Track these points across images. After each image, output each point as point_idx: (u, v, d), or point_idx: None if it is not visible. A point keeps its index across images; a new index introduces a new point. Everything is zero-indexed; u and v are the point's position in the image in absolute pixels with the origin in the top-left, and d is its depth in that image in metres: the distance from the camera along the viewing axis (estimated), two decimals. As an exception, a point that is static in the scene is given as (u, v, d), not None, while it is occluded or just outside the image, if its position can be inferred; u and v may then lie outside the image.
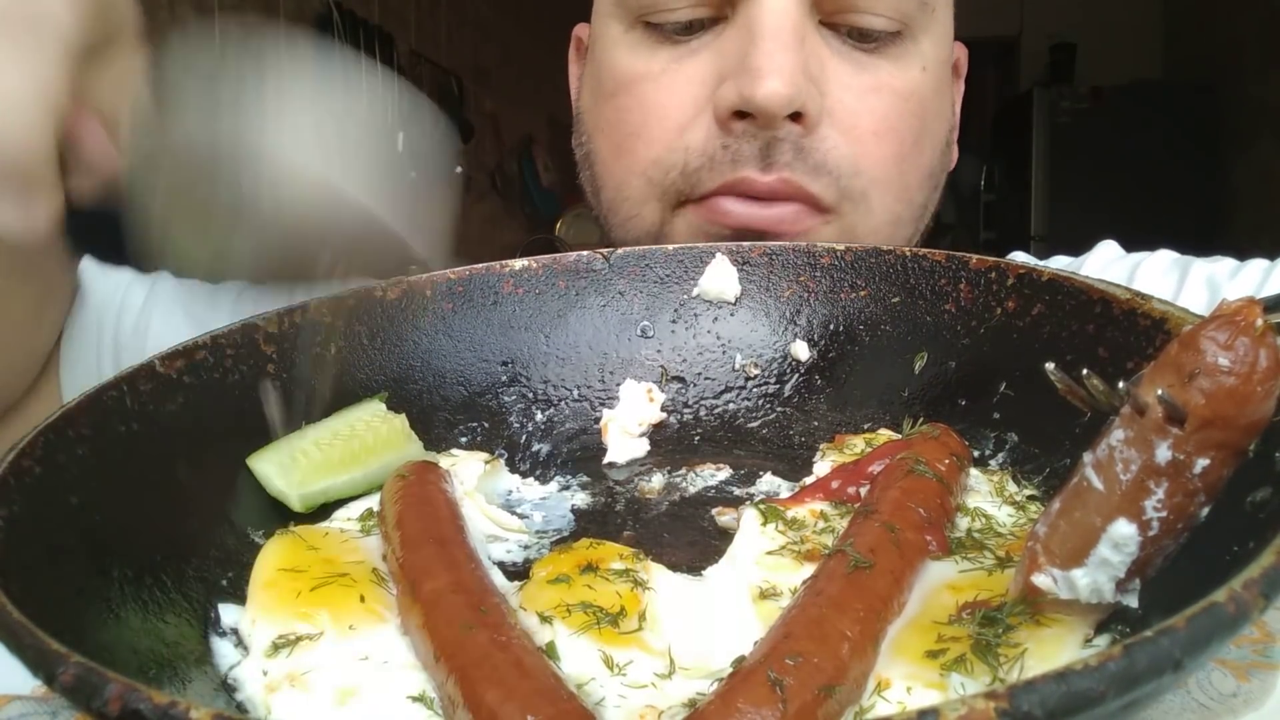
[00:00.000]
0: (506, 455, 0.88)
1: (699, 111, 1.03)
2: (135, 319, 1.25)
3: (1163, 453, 0.46)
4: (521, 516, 0.79)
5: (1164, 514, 0.47)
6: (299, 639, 0.57)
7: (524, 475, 0.87)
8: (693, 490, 0.83)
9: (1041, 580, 0.50)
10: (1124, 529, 0.47)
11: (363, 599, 0.60)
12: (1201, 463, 0.45)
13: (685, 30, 1.05)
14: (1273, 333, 0.45)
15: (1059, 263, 1.22)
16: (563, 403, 0.93)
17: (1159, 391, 0.45)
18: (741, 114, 0.99)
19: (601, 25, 1.14)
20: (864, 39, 1.03)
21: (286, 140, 0.67)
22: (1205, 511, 0.47)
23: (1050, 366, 0.53)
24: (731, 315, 0.95)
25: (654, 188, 1.07)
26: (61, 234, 0.68)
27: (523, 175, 7.11)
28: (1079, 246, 1.33)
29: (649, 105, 1.07)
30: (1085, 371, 0.51)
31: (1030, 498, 0.71)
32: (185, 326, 1.18)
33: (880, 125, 1.04)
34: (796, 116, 0.99)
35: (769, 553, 0.65)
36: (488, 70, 6.45)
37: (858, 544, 0.59)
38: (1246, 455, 0.46)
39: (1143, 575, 0.49)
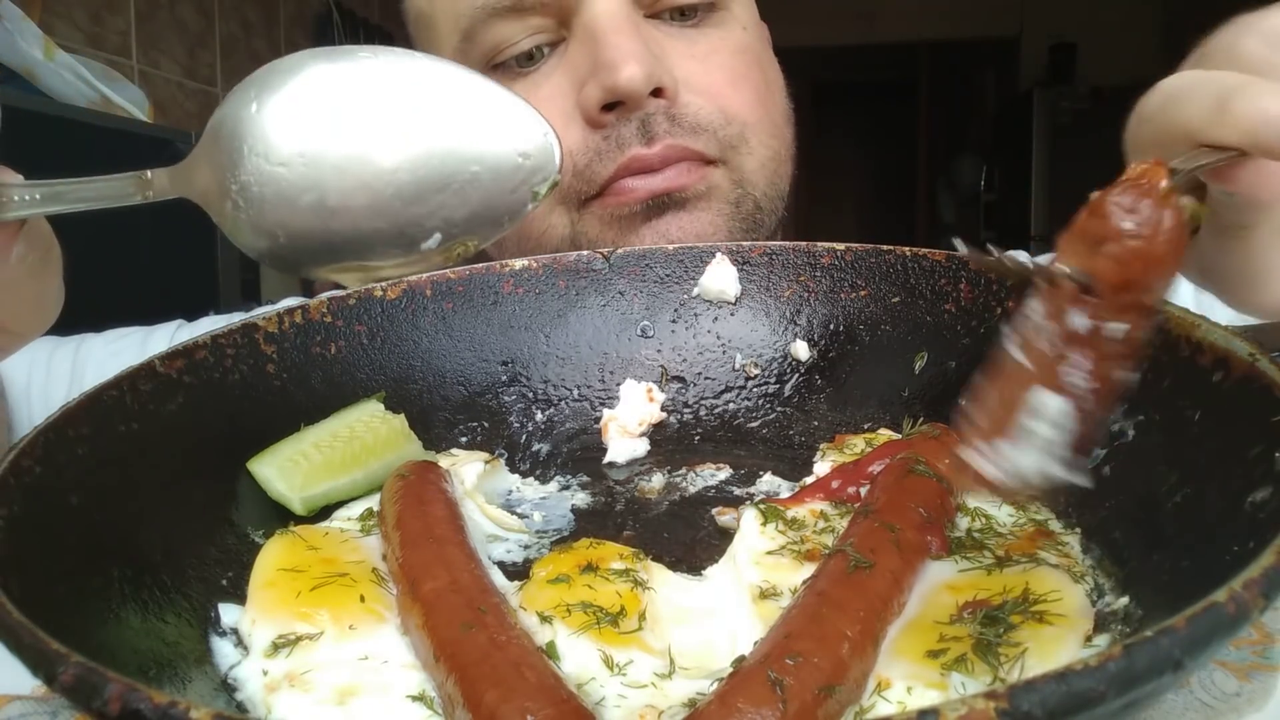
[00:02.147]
0: (506, 455, 0.88)
1: (568, 122, 1.10)
2: (67, 389, 1.26)
3: (1080, 321, 0.46)
4: (521, 516, 0.79)
5: (1091, 383, 0.46)
6: (299, 639, 0.57)
7: (524, 475, 0.87)
8: (693, 490, 0.83)
9: (972, 456, 0.49)
10: (1048, 399, 0.47)
11: (363, 599, 0.60)
12: (1118, 327, 0.46)
13: (529, 60, 1.14)
14: (1177, 193, 0.46)
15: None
16: (563, 403, 0.93)
17: (1069, 265, 0.46)
18: (609, 106, 1.08)
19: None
20: (685, 17, 1.16)
21: None
22: (1134, 377, 0.47)
23: (958, 241, 0.54)
24: (731, 315, 0.95)
25: (553, 198, 1.12)
26: None
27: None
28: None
29: None
30: (994, 250, 0.52)
31: (1030, 497, 0.71)
32: None
33: (731, 76, 1.16)
34: (658, 92, 1.09)
35: (769, 553, 0.65)
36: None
37: (858, 544, 0.59)
38: (1158, 314, 0.46)
39: (1085, 451, 0.48)
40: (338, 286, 0.84)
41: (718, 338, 0.95)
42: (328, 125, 0.60)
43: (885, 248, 0.90)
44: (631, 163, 1.09)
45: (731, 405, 0.93)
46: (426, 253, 0.64)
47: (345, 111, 0.60)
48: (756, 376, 0.93)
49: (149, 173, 0.62)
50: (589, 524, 0.79)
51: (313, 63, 0.60)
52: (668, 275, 0.96)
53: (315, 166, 0.60)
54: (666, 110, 1.10)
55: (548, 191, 0.64)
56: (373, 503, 0.75)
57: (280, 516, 0.74)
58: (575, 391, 0.93)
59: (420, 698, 0.53)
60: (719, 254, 0.95)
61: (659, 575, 0.64)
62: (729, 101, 1.14)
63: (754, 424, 0.91)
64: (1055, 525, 0.67)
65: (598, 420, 0.92)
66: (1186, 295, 1.20)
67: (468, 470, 0.79)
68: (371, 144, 0.60)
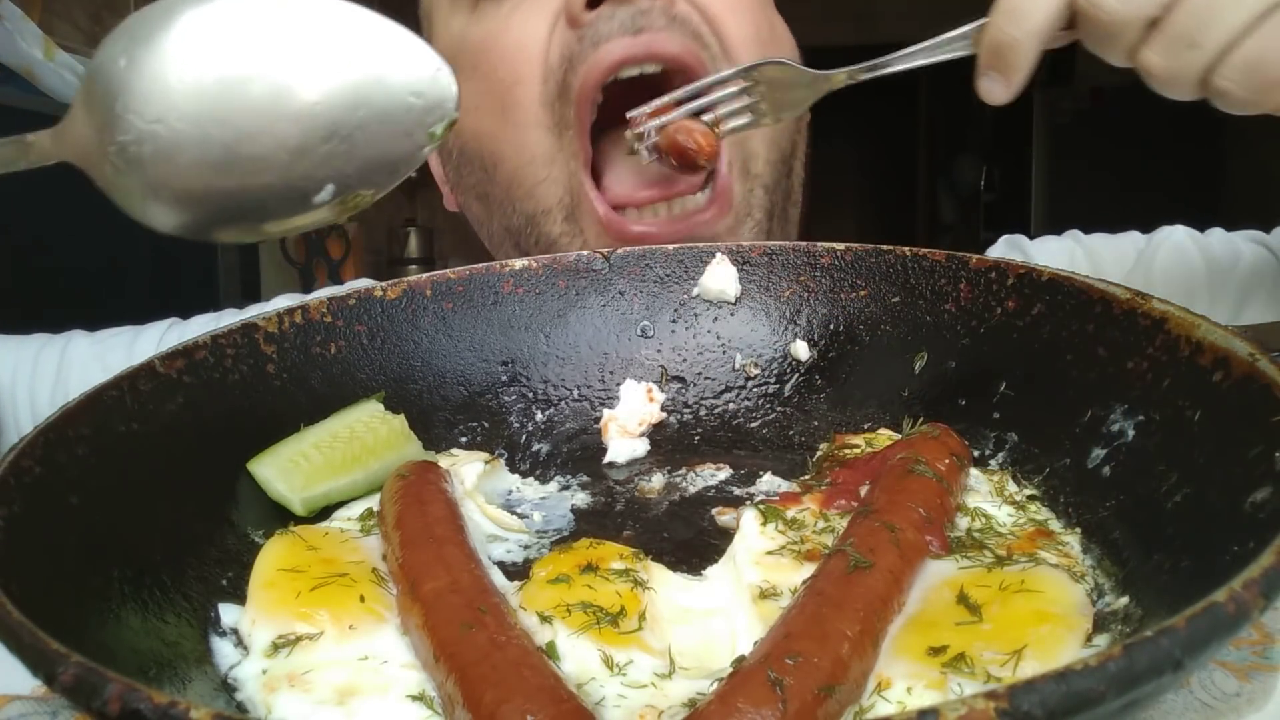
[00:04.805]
0: (506, 455, 0.88)
1: (550, 30, 1.06)
2: (52, 387, 1.26)
3: None
4: (521, 516, 0.79)
5: None
6: (299, 639, 0.57)
7: (524, 475, 0.87)
8: (693, 490, 0.83)
9: None
10: None
11: (363, 599, 0.60)
12: None
13: None
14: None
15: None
16: (563, 403, 0.93)
17: None
18: (595, 2, 1.01)
19: (439, 15, 1.19)
20: None
21: None
22: None
23: None
24: (731, 315, 0.95)
25: (541, 126, 1.08)
26: None
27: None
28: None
29: (512, 47, 1.09)
30: None
31: (1030, 497, 0.71)
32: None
33: (733, 2, 1.08)
34: None
35: (769, 553, 0.65)
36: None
37: (858, 544, 0.59)
38: None
39: None
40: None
41: (718, 338, 0.95)
42: (202, 76, 0.54)
43: (885, 248, 0.90)
44: (600, 59, 1.02)
45: (731, 405, 0.93)
46: (320, 206, 0.60)
47: (220, 60, 0.55)
48: (756, 376, 0.93)
49: (30, 136, 0.58)
50: (589, 524, 0.79)
51: (183, 8, 0.55)
52: (668, 275, 0.96)
53: (192, 122, 0.55)
54: (665, 9, 1.02)
55: (444, 132, 0.59)
56: (373, 503, 0.75)
57: (280, 516, 0.74)
58: (575, 391, 0.93)
59: (420, 698, 0.53)
60: (719, 254, 0.95)
61: (659, 575, 0.64)
62: (729, 31, 1.07)
63: (754, 424, 0.91)
64: (1055, 525, 0.67)
65: (598, 420, 0.92)
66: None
67: (468, 470, 0.79)
68: (249, 93, 0.55)
